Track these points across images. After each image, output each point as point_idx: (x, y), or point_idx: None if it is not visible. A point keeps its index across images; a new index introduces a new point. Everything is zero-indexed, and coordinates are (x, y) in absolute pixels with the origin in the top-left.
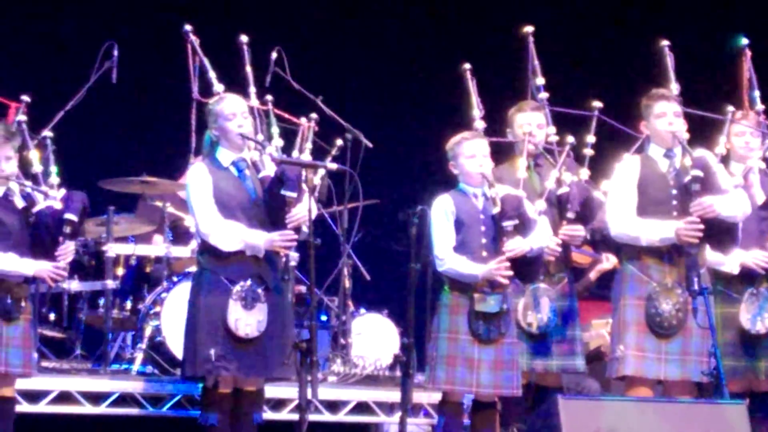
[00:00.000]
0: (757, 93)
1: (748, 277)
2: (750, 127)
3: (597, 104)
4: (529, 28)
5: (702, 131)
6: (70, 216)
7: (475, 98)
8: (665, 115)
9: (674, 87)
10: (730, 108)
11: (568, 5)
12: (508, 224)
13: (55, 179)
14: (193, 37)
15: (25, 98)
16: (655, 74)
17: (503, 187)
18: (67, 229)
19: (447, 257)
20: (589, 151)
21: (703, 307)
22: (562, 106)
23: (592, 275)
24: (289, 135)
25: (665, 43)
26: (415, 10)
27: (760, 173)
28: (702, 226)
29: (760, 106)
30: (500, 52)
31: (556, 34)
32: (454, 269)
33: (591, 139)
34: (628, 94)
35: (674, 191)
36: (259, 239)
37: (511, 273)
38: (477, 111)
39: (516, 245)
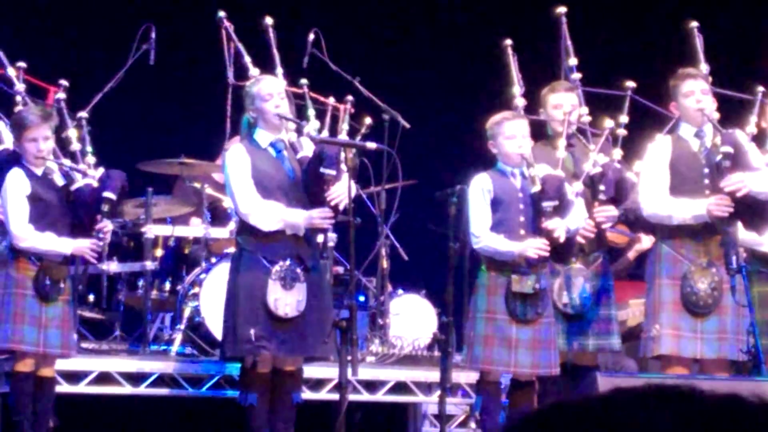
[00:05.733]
0: None
1: None
2: None
3: (630, 84)
4: (562, 9)
5: (735, 112)
6: (108, 194)
7: (515, 74)
8: (693, 93)
9: (704, 67)
10: (761, 88)
11: None
12: (548, 205)
13: (91, 159)
14: (227, 24)
15: (63, 82)
16: (686, 55)
17: (543, 167)
18: (105, 208)
19: (483, 235)
20: (622, 132)
21: (741, 286)
22: (595, 87)
23: (631, 255)
24: (323, 116)
25: (694, 24)
26: None
27: None
28: (732, 203)
29: None
30: (534, 32)
31: (589, 14)
32: (490, 246)
33: (624, 119)
34: (660, 75)
35: (706, 170)
36: (299, 217)
37: (548, 251)
38: (518, 87)
39: (555, 225)
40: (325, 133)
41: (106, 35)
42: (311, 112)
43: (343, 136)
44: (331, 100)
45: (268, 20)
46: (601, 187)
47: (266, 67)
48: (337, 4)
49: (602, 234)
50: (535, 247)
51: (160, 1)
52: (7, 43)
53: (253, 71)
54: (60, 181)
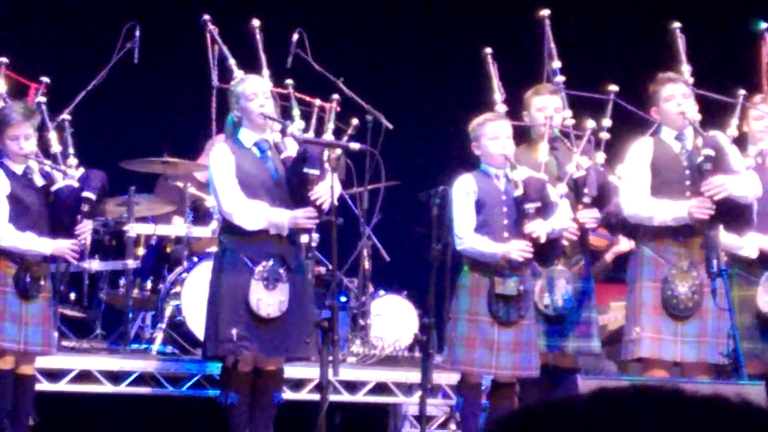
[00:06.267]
0: None
1: (767, 260)
2: (757, 109)
3: (613, 88)
4: (545, 12)
5: (717, 114)
6: (88, 194)
7: (496, 82)
8: (674, 97)
9: (686, 69)
10: (742, 91)
11: None
12: (530, 207)
13: (73, 160)
14: (211, 27)
15: (45, 79)
16: (669, 57)
17: (525, 170)
18: (86, 208)
19: (467, 236)
20: (605, 135)
21: (721, 289)
22: (579, 90)
23: (608, 257)
24: (308, 117)
25: (676, 25)
26: None
27: None
28: (713, 205)
29: None
30: (517, 35)
31: (572, 18)
32: (473, 248)
33: (607, 122)
34: (644, 78)
35: (687, 172)
36: (283, 217)
37: (531, 253)
38: (498, 95)
39: (537, 226)
40: (311, 134)
41: (90, 33)
42: (296, 112)
43: (328, 136)
44: (317, 101)
45: (255, 22)
46: (585, 190)
47: (251, 68)
48: (321, 5)
49: (585, 237)
50: (518, 248)
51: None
52: None
53: (238, 74)
54: (40, 181)
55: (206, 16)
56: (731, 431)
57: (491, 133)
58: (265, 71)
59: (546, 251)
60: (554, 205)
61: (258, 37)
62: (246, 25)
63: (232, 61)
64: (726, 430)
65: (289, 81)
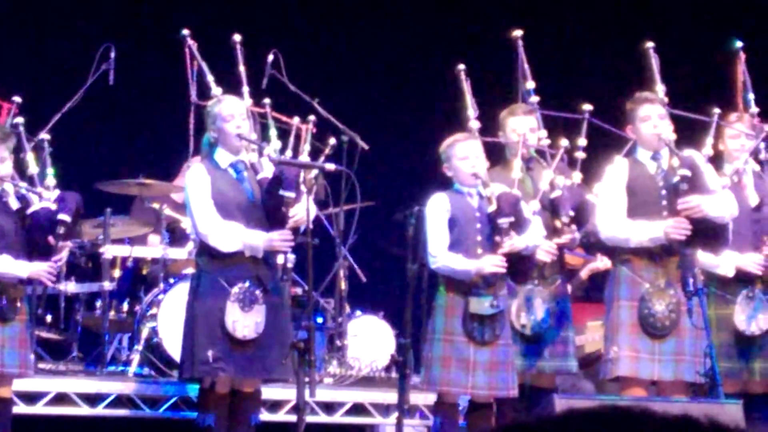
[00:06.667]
0: (751, 95)
1: (743, 279)
2: (732, 128)
3: (587, 107)
4: (518, 32)
5: (692, 133)
6: (63, 217)
7: (469, 98)
8: (650, 118)
9: (660, 89)
10: (717, 110)
11: (557, 10)
12: (504, 221)
13: (51, 181)
14: (190, 42)
15: (17, 99)
16: (644, 76)
17: (498, 186)
18: (61, 230)
19: (440, 254)
20: (580, 155)
21: (697, 308)
22: (553, 110)
23: (584, 274)
24: (286, 136)
25: (650, 44)
26: (407, 12)
27: (754, 175)
28: (689, 225)
29: (754, 109)
30: (491, 56)
31: (546, 38)
32: (447, 266)
33: (582, 142)
34: (618, 97)
35: (663, 192)
36: (258, 239)
37: (505, 267)
38: (472, 111)
39: (511, 242)
40: (289, 153)
41: (64, 54)
42: (273, 132)
43: (304, 157)
44: (296, 120)
45: (237, 37)
46: (568, 211)
47: (229, 85)
48: (297, 26)
49: (562, 256)
50: (492, 263)
51: (120, 20)
52: None
53: (216, 90)
54: (15, 204)
55: (185, 31)
56: None
57: (461, 153)
58: (245, 88)
59: (520, 267)
60: (527, 221)
61: (239, 52)
62: (227, 42)
63: (210, 78)
64: None
65: (267, 100)
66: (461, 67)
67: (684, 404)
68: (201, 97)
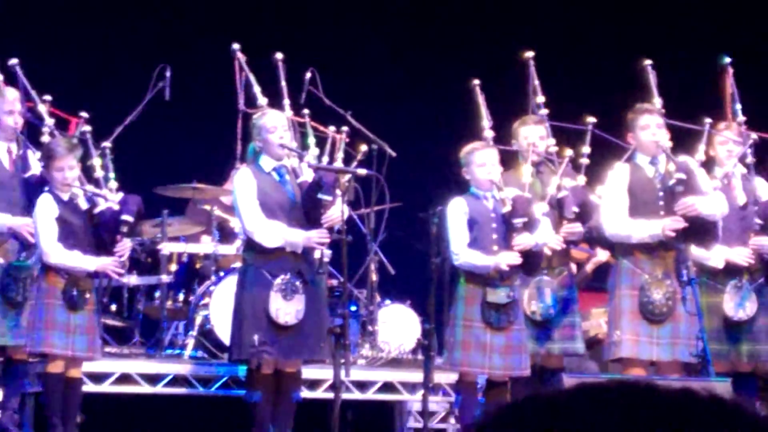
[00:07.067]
0: (738, 106)
1: (732, 270)
2: (722, 135)
3: (591, 119)
4: (529, 53)
5: (685, 141)
6: (126, 217)
7: (484, 110)
8: (649, 127)
9: (657, 101)
10: (708, 120)
11: (565, 32)
12: (518, 221)
13: (113, 184)
14: (239, 55)
15: (84, 114)
16: (642, 91)
17: (511, 190)
18: (124, 229)
19: (462, 252)
20: (585, 161)
21: (691, 296)
22: (560, 121)
23: (589, 268)
24: (322, 144)
25: (648, 62)
26: (430, 36)
27: (742, 178)
28: (685, 223)
29: (741, 118)
30: (506, 72)
31: (553, 58)
32: (468, 262)
33: (586, 150)
34: (618, 110)
35: (660, 193)
36: (298, 237)
37: (519, 261)
38: (486, 122)
39: (524, 240)
40: (325, 159)
41: (125, 73)
42: (311, 140)
43: (338, 163)
44: (331, 129)
45: (278, 55)
46: (572, 210)
47: (274, 96)
48: (332, 46)
49: (568, 250)
50: (507, 259)
51: (176, 37)
52: (35, 77)
53: (262, 100)
54: (84, 204)
55: (236, 45)
56: (698, 418)
57: (479, 160)
58: (286, 101)
59: (531, 262)
60: (538, 222)
61: (281, 69)
62: (270, 59)
63: (257, 88)
64: (694, 417)
65: (305, 112)
66: (476, 82)
67: (681, 381)
68: (248, 106)
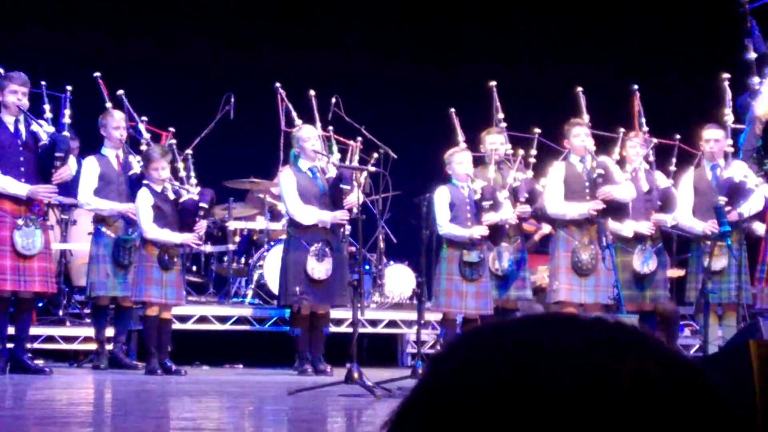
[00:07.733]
0: (643, 120)
1: (639, 238)
2: (630, 140)
3: (537, 130)
4: (493, 82)
5: (605, 145)
6: (203, 204)
7: (458, 129)
8: (579, 135)
9: (585, 117)
10: (621, 129)
11: (519, 64)
12: (486, 204)
13: (193, 180)
14: (281, 90)
15: (171, 129)
16: (574, 109)
17: (480, 181)
18: (201, 213)
19: (445, 225)
20: (532, 160)
21: (609, 256)
22: (515, 131)
23: (536, 237)
24: (343, 150)
25: (579, 88)
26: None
27: (645, 171)
28: (604, 205)
29: (645, 128)
30: (477, 96)
31: (512, 83)
32: (450, 233)
33: (533, 152)
34: (558, 123)
35: (587, 183)
36: (327, 217)
37: (487, 232)
38: (460, 137)
39: (491, 217)
40: (346, 161)
41: (201, 97)
42: (335, 148)
43: (355, 164)
44: (352, 143)
45: (312, 92)
46: (524, 195)
47: (306, 119)
48: (351, 77)
49: (521, 224)
50: (479, 231)
51: (237, 73)
52: (136, 103)
53: (298, 122)
54: (172, 195)
55: (278, 84)
56: (606, 334)
57: (458, 160)
58: (318, 122)
59: (495, 234)
60: (501, 204)
61: (313, 101)
62: (305, 93)
63: (294, 114)
64: (604, 333)
65: (331, 127)
66: (452, 110)
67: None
68: (288, 126)
